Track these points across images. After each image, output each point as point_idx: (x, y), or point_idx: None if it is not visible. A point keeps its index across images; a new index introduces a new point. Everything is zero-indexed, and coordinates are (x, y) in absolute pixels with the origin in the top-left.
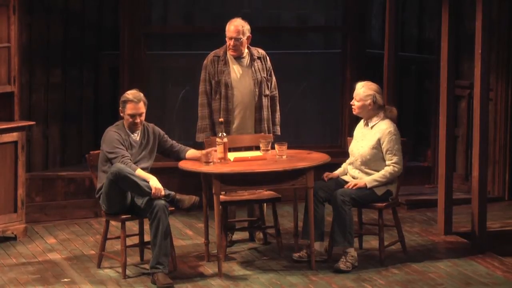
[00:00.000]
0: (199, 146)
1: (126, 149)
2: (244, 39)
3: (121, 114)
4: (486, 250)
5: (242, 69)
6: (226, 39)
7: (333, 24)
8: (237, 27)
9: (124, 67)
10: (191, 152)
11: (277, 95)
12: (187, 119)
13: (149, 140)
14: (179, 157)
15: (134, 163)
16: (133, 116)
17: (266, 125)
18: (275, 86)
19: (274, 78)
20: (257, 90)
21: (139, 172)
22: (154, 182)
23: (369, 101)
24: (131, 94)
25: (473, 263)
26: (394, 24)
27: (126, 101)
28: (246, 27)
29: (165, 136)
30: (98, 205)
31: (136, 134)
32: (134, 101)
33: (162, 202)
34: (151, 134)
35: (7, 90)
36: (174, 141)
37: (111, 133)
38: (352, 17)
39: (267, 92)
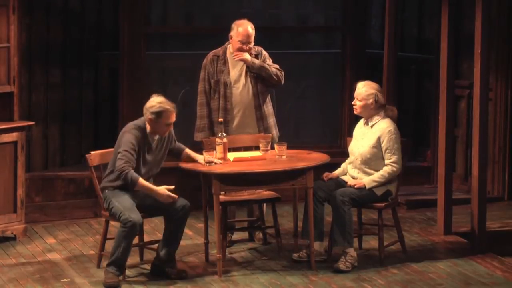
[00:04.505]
0: (198, 145)
1: (141, 152)
2: (252, 39)
3: (149, 123)
4: (485, 250)
5: (241, 68)
6: (235, 41)
7: (332, 24)
8: (248, 31)
9: (123, 67)
10: (186, 153)
11: (280, 74)
12: (187, 119)
13: (163, 143)
14: (177, 155)
15: (149, 170)
16: (170, 124)
17: (270, 120)
18: (276, 66)
19: (273, 65)
20: (255, 88)
21: (142, 182)
22: (162, 197)
23: (371, 100)
24: (165, 103)
25: (472, 263)
26: (394, 24)
27: (162, 112)
28: (253, 29)
29: (173, 133)
30: (97, 205)
31: (155, 138)
32: (172, 110)
33: (188, 203)
34: (166, 137)
35: (7, 90)
36: (176, 141)
37: (130, 136)
38: (352, 17)
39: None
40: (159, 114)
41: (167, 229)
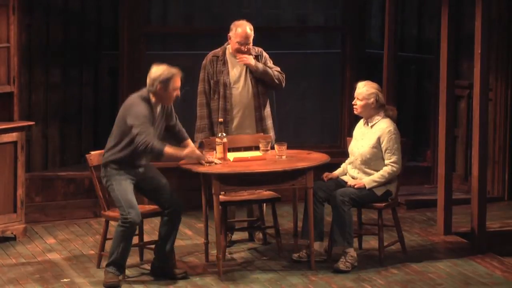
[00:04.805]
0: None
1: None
2: (251, 40)
3: (160, 92)
4: (485, 250)
5: (241, 68)
6: (233, 41)
7: (332, 24)
8: (247, 32)
9: (123, 67)
10: (187, 144)
11: (281, 77)
12: (187, 119)
13: (163, 114)
14: (178, 139)
15: None
16: (177, 89)
17: (268, 122)
18: (278, 69)
19: (276, 71)
20: (255, 89)
21: (168, 150)
22: (192, 159)
23: (372, 100)
24: (170, 68)
25: (472, 263)
26: (394, 24)
27: (171, 78)
28: (252, 29)
29: (173, 110)
30: (97, 205)
31: (158, 109)
32: (179, 74)
33: (181, 203)
34: (166, 108)
35: (7, 90)
36: (178, 120)
37: (141, 108)
38: (352, 17)
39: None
40: (168, 81)
41: (162, 230)
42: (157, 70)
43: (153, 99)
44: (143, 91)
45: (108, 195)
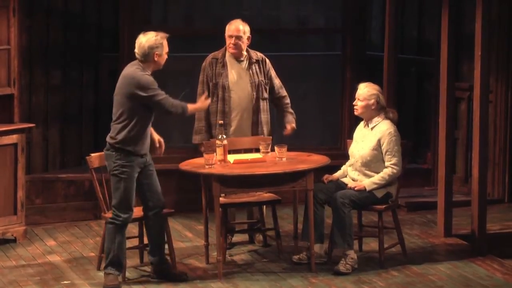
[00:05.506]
0: (196, 147)
1: None
2: (244, 38)
3: (156, 59)
4: (486, 252)
5: (240, 72)
6: (226, 37)
7: (333, 26)
8: (237, 26)
9: (124, 68)
10: None
11: (285, 94)
12: (186, 121)
13: None
14: None
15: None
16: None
17: (264, 128)
18: (281, 86)
19: (277, 80)
20: (254, 93)
21: (191, 106)
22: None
23: (373, 101)
24: (158, 33)
25: (473, 265)
26: (394, 25)
27: (163, 42)
28: (247, 27)
29: None
30: (98, 207)
31: None
32: (166, 36)
33: (161, 207)
34: None
35: (7, 92)
36: None
37: (147, 77)
38: (352, 19)
39: (265, 95)
40: (162, 46)
41: (149, 234)
42: (149, 39)
43: (152, 68)
44: (135, 64)
45: (108, 196)
